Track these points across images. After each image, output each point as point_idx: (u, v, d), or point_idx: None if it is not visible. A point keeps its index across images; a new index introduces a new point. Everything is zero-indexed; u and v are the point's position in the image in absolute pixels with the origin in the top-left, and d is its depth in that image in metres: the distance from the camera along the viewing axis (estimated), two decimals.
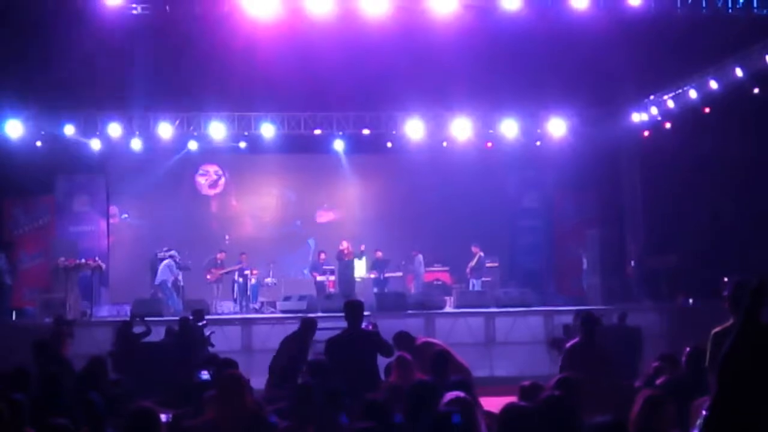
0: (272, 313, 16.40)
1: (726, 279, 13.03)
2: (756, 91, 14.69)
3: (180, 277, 17.17)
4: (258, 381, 8.39)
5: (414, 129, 18.42)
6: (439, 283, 19.17)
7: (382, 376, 7.47)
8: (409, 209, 20.39)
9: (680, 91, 16.56)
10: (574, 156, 18.89)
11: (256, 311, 16.94)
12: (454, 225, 19.79)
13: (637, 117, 18.28)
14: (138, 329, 11.77)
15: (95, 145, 18.42)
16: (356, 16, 12.26)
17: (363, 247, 18.78)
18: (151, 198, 20.06)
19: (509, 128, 18.64)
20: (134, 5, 12.09)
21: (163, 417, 4.83)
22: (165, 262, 16.90)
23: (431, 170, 20.05)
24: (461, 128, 18.49)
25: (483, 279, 18.51)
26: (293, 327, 9.51)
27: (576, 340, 7.22)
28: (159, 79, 15.26)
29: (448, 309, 16.49)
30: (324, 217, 21.43)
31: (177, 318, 12.66)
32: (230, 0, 12.17)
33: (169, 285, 16.68)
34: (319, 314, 14.13)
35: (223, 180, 21.12)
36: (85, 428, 5.02)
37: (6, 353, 11.03)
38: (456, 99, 17.19)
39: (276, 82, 15.30)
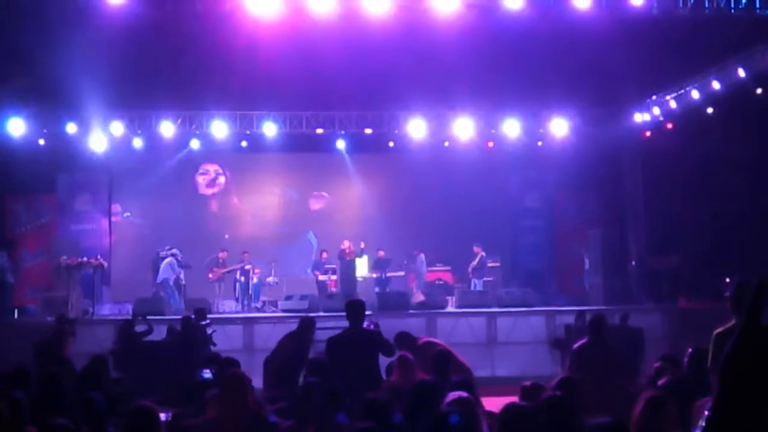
0: (274, 312, 16.42)
1: (728, 280, 13.05)
2: (758, 91, 14.69)
3: (182, 276, 17.19)
4: (259, 381, 8.42)
5: (416, 128, 18.42)
6: (441, 282, 19.17)
7: (384, 376, 7.47)
8: (411, 208, 20.40)
9: (682, 91, 16.55)
10: (576, 156, 18.90)
11: (258, 310, 16.96)
12: (455, 224, 19.80)
13: (640, 117, 18.28)
14: (140, 328, 11.78)
15: (97, 143, 18.44)
16: (359, 15, 12.25)
17: (363, 245, 18.76)
18: (152, 197, 20.07)
19: (511, 128, 18.64)
20: (136, 3, 12.09)
21: (162, 416, 4.83)
22: (167, 260, 16.93)
23: (433, 170, 20.07)
24: (463, 128, 18.49)
25: (485, 279, 18.51)
26: (295, 326, 9.51)
27: (584, 340, 7.19)
28: (161, 77, 15.26)
29: (449, 309, 16.50)
30: (316, 204, 21.42)
31: (179, 317, 12.69)
32: None
33: (171, 283, 16.71)
34: (321, 314, 14.15)
35: (222, 179, 21.12)
36: (86, 428, 5.02)
37: (8, 352, 11.04)
38: (458, 98, 17.18)
39: (278, 80, 15.28)
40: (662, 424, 4.48)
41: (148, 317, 12.40)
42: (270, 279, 18.19)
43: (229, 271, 18.06)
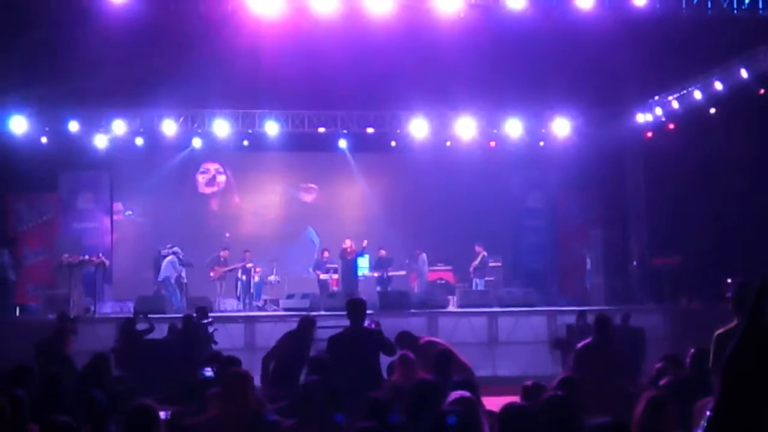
0: (275, 311, 16.42)
1: (730, 280, 13.04)
2: (761, 92, 14.68)
3: (183, 274, 17.20)
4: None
5: (418, 128, 18.43)
6: (443, 282, 19.17)
7: (385, 375, 7.47)
8: (413, 208, 20.39)
9: (685, 91, 16.55)
10: (578, 156, 18.89)
11: (259, 309, 16.96)
12: (457, 224, 19.80)
13: (642, 117, 18.27)
14: (141, 326, 11.79)
15: (100, 141, 18.46)
16: (361, 14, 12.25)
17: (365, 243, 18.74)
18: (154, 195, 20.07)
19: (513, 128, 18.64)
20: (139, 2, 12.10)
21: (162, 414, 4.83)
22: (168, 258, 16.94)
23: (435, 169, 20.08)
24: (465, 128, 18.50)
25: (486, 278, 18.51)
26: (296, 325, 9.49)
27: (588, 340, 7.18)
28: (163, 76, 15.26)
29: (451, 308, 16.49)
30: (307, 196, 21.41)
31: (180, 315, 12.70)
32: None
33: (173, 282, 16.72)
34: (322, 312, 14.16)
35: (222, 178, 21.12)
36: (87, 426, 5.02)
37: (9, 350, 11.04)
38: (460, 98, 17.18)
39: (280, 80, 15.28)
40: (663, 424, 4.48)
41: (150, 315, 12.39)
42: (271, 278, 18.20)
43: (230, 270, 18.05)
